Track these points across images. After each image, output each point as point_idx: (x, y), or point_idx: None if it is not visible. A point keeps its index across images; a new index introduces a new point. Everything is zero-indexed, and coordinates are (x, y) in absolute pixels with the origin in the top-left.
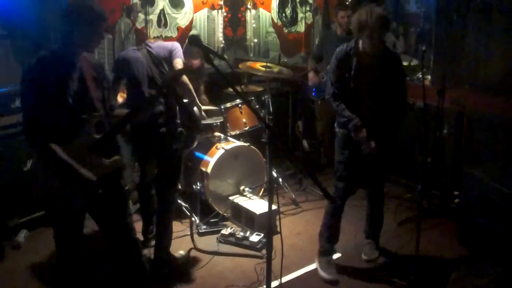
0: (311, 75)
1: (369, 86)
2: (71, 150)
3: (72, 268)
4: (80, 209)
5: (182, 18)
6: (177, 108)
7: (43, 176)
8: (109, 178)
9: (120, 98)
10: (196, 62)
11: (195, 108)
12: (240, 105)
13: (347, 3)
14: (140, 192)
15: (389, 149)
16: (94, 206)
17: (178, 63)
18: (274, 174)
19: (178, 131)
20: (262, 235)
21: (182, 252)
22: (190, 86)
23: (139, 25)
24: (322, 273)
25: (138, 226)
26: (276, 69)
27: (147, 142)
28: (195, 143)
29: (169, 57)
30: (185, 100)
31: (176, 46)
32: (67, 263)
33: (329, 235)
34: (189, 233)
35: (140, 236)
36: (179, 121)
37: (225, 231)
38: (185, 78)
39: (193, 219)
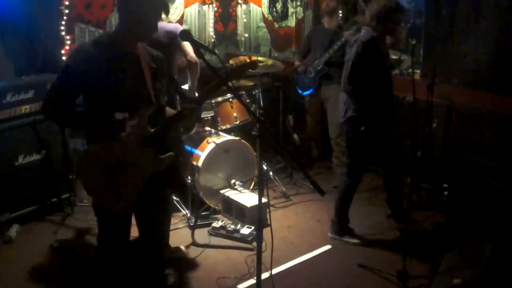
0: (297, 63)
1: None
2: (122, 142)
3: (110, 269)
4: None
5: (173, 13)
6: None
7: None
8: (163, 177)
9: None
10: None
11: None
12: (231, 100)
13: None
14: None
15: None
16: (140, 207)
17: (188, 45)
18: (265, 167)
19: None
20: (253, 227)
21: (181, 247)
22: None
23: None
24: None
25: None
26: (269, 62)
27: None
28: (193, 130)
29: (171, 42)
30: (185, 86)
31: (180, 28)
32: (107, 265)
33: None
34: (180, 226)
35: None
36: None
37: (216, 224)
38: (196, 59)
39: (184, 212)
